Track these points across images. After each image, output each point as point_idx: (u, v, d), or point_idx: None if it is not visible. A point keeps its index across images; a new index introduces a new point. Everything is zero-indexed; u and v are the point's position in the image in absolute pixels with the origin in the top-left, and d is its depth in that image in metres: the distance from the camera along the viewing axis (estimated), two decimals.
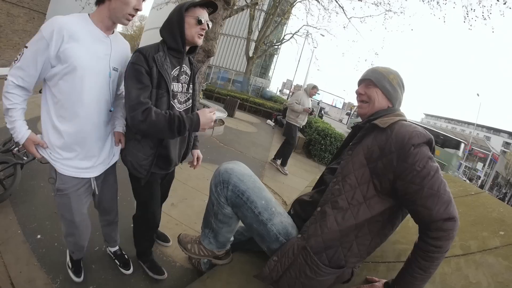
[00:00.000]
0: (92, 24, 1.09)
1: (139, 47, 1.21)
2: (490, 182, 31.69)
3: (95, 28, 1.10)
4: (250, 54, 17.28)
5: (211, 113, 1.23)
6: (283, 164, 4.88)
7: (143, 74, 1.14)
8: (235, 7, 5.76)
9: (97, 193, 1.34)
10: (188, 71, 1.39)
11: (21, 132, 1.08)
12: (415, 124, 1.00)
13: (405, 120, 1.02)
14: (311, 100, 4.79)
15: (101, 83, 1.14)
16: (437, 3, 7.29)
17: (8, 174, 2.13)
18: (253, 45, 17.60)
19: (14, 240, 1.70)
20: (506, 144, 40.37)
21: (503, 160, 34.92)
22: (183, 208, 2.63)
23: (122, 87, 1.29)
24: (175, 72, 1.27)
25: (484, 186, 27.23)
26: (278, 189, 3.91)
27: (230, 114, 8.99)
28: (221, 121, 6.74)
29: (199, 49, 4.89)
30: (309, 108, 4.56)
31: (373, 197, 0.95)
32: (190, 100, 1.43)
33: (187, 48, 1.33)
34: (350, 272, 1.08)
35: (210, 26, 1.31)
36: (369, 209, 0.95)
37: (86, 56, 1.05)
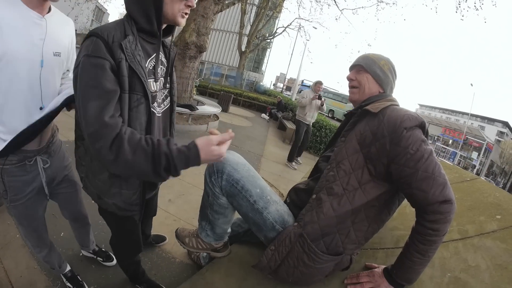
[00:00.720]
0: (22, 3, 0.86)
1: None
2: (485, 171, 32.52)
3: (26, 9, 0.87)
4: (243, 49, 17.16)
5: (219, 145, 0.82)
6: (290, 159, 5.02)
7: (107, 73, 0.76)
8: (226, 1, 5.68)
9: (48, 199, 1.18)
10: (164, 60, 1.01)
11: None
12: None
13: (397, 105, 1.02)
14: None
15: (30, 75, 0.90)
16: None
17: None
18: (245, 39, 17.47)
19: (13, 245, 1.67)
20: (500, 133, 41.12)
21: (497, 149, 35.84)
22: (181, 204, 2.61)
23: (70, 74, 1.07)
24: (150, 63, 0.90)
25: (480, 175, 27.89)
26: (275, 182, 3.92)
27: (224, 109, 8.95)
28: (215, 116, 6.72)
29: (191, 45, 4.83)
30: (315, 95, 4.64)
31: (368, 182, 0.95)
32: (169, 98, 1.06)
33: (163, 27, 0.95)
34: (348, 259, 1.09)
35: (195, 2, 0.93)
36: (364, 194, 0.95)
37: (16, 44, 0.84)
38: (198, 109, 5.22)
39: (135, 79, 0.82)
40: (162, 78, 0.99)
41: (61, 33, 1.01)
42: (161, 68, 0.97)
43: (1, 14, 0.81)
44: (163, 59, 1.00)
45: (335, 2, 9.61)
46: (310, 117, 4.86)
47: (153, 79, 0.92)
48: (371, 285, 0.98)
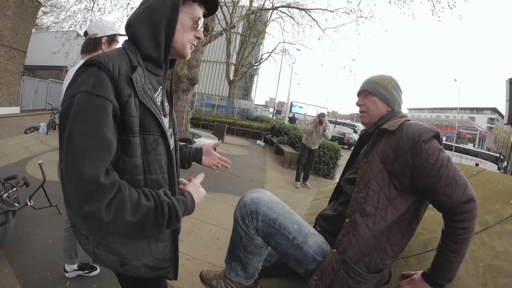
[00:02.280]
0: None
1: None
2: (483, 160, 32.67)
3: None
4: (231, 78, 17.83)
5: (199, 184, 0.90)
6: (297, 179, 5.51)
7: (108, 119, 0.64)
8: (214, 33, 6.05)
9: None
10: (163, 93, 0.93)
11: None
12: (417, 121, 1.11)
13: (409, 120, 1.12)
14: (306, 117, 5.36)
15: None
16: (404, 1, 7.92)
17: (0, 223, 2.02)
18: (232, 68, 18.21)
19: None
20: (491, 120, 42.20)
21: (491, 136, 36.70)
22: (192, 242, 2.60)
23: None
24: (157, 98, 0.82)
25: (478, 165, 27.98)
26: None
27: (220, 139, 9.07)
28: (214, 148, 6.78)
29: (183, 78, 5.07)
30: (317, 119, 5.27)
31: (396, 197, 1.01)
32: (173, 136, 0.95)
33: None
34: (388, 273, 1.12)
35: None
36: (395, 209, 1.01)
37: None
38: (195, 142, 5.32)
39: (149, 118, 0.73)
40: (168, 115, 0.90)
41: None
42: (166, 104, 0.89)
43: None
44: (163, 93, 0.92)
45: (316, 22, 10.28)
46: (311, 142, 5.41)
47: (163, 116, 0.83)
48: None
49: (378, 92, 1.21)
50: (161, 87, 0.85)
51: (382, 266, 1.05)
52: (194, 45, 0.87)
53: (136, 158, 0.71)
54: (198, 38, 0.87)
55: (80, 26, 10.83)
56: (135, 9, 0.82)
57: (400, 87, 1.25)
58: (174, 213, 0.72)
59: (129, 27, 0.79)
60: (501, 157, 20.21)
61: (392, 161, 1.02)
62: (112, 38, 1.72)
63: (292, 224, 1.13)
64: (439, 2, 7.46)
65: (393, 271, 1.19)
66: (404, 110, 1.37)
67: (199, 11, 0.85)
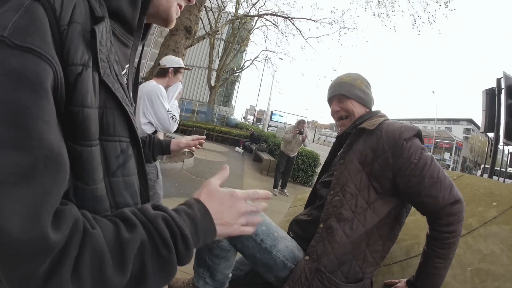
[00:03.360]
0: None
1: None
2: (460, 168, 35.36)
3: None
4: (212, 83, 17.75)
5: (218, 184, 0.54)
6: (275, 186, 5.57)
7: (48, 102, 0.33)
8: (196, 36, 5.98)
9: None
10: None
11: None
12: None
13: (389, 119, 1.08)
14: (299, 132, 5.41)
15: None
16: (387, 15, 8.37)
17: None
18: (214, 74, 18.17)
19: None
20: (467, 130, 45.93)
21: (467, 146, 39.75)
22: None
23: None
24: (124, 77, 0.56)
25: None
26: None
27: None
28: (190, 153, 6.64)
29: None
30: (296, 130, 5.30)
31: (376, 200, 0.96)
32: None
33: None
34: (369, 282, 1.06)
35: None
36: (375, 213, 0.96)
37: None
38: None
39: (115, 112, 0.44)
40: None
41: None
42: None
43: None
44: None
45: (300, 32, 10.55)
46: (290, 150, 5.49)
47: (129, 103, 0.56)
48: None
49: (355, 95, 1.14)
50: (127, 65, 0.56)
51: (362, 275, 0.99)
52: (181, 7, 0.59)
53: (96, 184, 0.42)
54: (189, 0, 0.58)
55: None
56: None
57: (369, 83, 1.20)
58: (179, 234, 0.41)
59: None
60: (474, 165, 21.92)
61: (371, 162, 0.97)
62: (177, 70, 2.11)
63: (259, 225, 1.03)
64: (420, 17, 7.97)
65: (374, 280, 1.14)
66: None
67: None
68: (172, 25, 0.60)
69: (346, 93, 1.14)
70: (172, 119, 1.94)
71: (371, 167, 0.97)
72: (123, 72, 0.53)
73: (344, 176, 1.01)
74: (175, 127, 2.00)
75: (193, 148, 1.25)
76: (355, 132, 1.07)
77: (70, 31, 0.36)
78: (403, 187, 0.92)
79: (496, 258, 0.96)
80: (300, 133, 5.27)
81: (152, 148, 1.10)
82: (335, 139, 1.29)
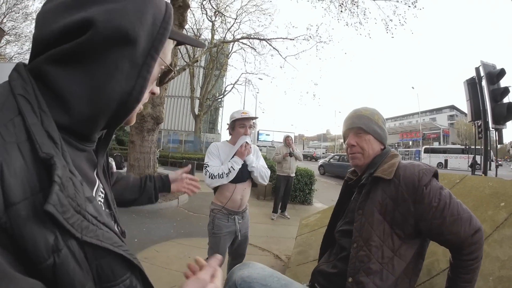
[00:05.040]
0: (229, 144, 2.09)
1: None
2: None
3: (230, 145, 2.07)
4: (196, 112, 17.90)
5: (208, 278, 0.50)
6: (274, 211, 5.41)
7: None
8: (177, 68, 6.12)
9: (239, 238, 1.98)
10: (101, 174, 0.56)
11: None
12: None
13: (400, 159, 1.09)
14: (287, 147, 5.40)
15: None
16: (359, 23, 8.82)
17: None
18: (197, 102, 18.38)
19: None
20: (451, 117, 47.80)
21: (453, 131, 41.41)
22: None
23: None
24: (97, 197, 0.50)
25: (447, 160, 30.94)
26: (265, 244, 3.78)
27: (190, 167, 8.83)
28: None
29: (148, 117, 4.95)
30: (286, 153, 5.23)
31: (400, 246, 0.98)
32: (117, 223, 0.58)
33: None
34: None
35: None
36: (401, 259, 0.98)
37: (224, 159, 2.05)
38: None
39: (110, 259, 0.39)
40: (107, 209, 0.54)
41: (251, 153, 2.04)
42: (100, 193, 0.52)
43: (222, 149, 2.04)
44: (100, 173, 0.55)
45: (278, 51, 10.93)
46: (288, 168, 5.34)
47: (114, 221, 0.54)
48: None
49: (373, 130, 1.14)
50: (96, 170, 0.51)
51: None
52: (141, 108, 0.50)
53: None
54: (153, 94, 0.52)
55: None
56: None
57: (385, 120, 1.22)
58: None
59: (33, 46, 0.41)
60: (466, 147, 22.65)
61: (392, 211, 0.99)
62: (232, 126, 2.06)
63: None
64: (391, 21, 8.44)
65: None
66: None
67: (170, 52, 0.52)
68: (131, 124, 0.54)
69: (365, 127, 1.14)
70: (205, 171, 1.97)
71: (392, 216, 0.99)
72: (95, 189, 0.47)
73: (366, 229, 1.02)
74: (208, 180, 1.95)
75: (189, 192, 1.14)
76: (371, 181, 1.06)
77: (14, 223, 0.29)
78: (426, 230, 0.96)
79: None
80: (291, 155, 5.25)
81: (154, 186, 1.01)
82: (344, 182, 1.29)
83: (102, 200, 0.52)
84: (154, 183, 1.00)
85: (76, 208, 0.34)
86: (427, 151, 26.45)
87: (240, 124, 2.02)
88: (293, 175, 5.53)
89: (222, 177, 1.89)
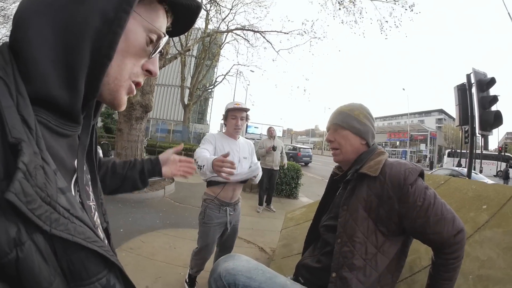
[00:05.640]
0: (227, 137, 2.11)
1: None
2: (437, 156, 37.81)
3: (229, 139, 2.09)
4: (186, 102, 17.64)
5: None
6: (260, 203, 5.45)
7: None
8: (168, 56, 5.98)
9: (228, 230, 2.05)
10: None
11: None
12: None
13: (387, 156, 1.11)
14: (271, 140, 5.43)
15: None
16: (355, 22, 8.84)
17: None
18: (187, 92, 18.12)
19: None
20: (439, 120, 49.50)
21: (441, 134, 42.91)
22: None
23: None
24: (74, 191, 0.45)
25: (433, 162, 32.10)
26: (250, 237, 3.82)
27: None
28: (171, 178, 6.49)
29: (136, 105, 4.84)
30: (270, 147, 5.21)
31: (384, 243, 1.01)
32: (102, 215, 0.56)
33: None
34: None
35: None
36: (385, 256, 1.01)
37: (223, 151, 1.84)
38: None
39: (82, 255, 0.36)
40: (90, 192, 0.52)
41: (245, 147, 2.12)
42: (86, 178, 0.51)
43: (220, 141, 2.02)
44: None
45: (271, 44, 10.80)
46: (271, 161, 5.34)
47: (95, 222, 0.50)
48: None
49: (350, 125, 1.16)
50: (76, 159, 0.47)
51: None
52: (138, 84, 0.48)
53: None
54: (149, 72, 0.48)
55: None
56: None
57: (372, 115, 1.21)
58: None
59: (14, 24, 0.39)
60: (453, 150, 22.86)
61: (377, 208, 1.01)
62: (225, 116, 2.10)
63: None
64: (387, 22, 8.51)
65: None
66: None
67: (163, 21, 0.47)
68: (122, 109, 0.49)
69: (341, 123, 1.17)
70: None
71: (377, 213, 1.01)
72: (73, 180, 0.44)
73: (350, 226, 1.04)
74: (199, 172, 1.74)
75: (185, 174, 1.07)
76: (356, 177, 1.08)
77: None
78: (410, 228, 0.99)
79: (494, 263, 1.05)
80: (274, 149, 5.24)
81: (142, 170, 0.93)
82: (330, 177, 1.31)
83: (89, 189, 0.50)
84: (143, 167, 0.93)
85: (45, 199, 0.31)
86: (451, 155, 25.21)
87: (232, 115, 2.04)
88: (277, 168, 5.49)
89: (200, 169, 1.69)
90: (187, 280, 2.32)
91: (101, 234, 0.50)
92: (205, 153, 1.80)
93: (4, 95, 0.32)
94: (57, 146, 0.41)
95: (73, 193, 0.43)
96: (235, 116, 2.03)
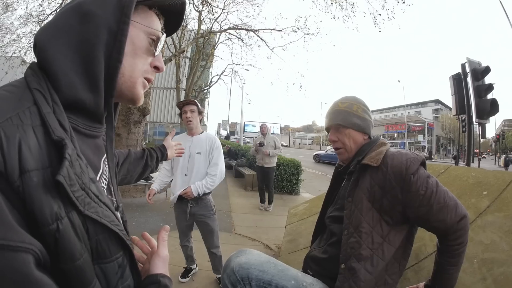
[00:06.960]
0: (187, 135, 2.37)
1: None
2: (435, 146, 38.06)
3: (187, 136, 2.36)
4: None
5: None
6: (261, 201, 5.45)
7: (37, 280, 0.32)
8: (164, 59, 5.96)
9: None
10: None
11: None
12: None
13: (388, 147, 1.13)
14: (260, 136, 5.57)
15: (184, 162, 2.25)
16: (347, 16, 8.80)
17: None
18: (183, 93, 18.08)
19: None
20: (435, 111, 49.91)
21: (438, 125, 43.24)
22: None
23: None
24: (101, 183, 0.53)
25: (432, 152, 32.22)
26: (254, 234, 3.86)
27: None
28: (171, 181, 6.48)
29: (134, 109, 4.84)
30: (256, 144, 5.29)
31: (389, 232, 1.03)
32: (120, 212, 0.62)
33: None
34: None
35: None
36: (391, 244, 1.03)
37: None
38: (153, 178, 5.03)
39: (107, 236, 0.44)
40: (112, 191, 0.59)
41: (202, 143, 2.27)
42: (104, 181, 0.55)
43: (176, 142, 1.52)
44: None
45: (265, 42, 10.78)
46: (260, 159, 5.32)
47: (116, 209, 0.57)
48: None
49: (351, 123, 1.16)
50: (104, 156, 0.55)
51: None
52: (150, 80, 0.55)
53: None
54: (156, 68, 0.55)
55: (25, 52, 9.46)
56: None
57: (367, 106, 1.22)
58: None
59: (37, 48, 0.45)
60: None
61: (380, 198, 1.03)
62: (179, 116, 2.38)
63: (288, 281, 1.09)
64: (380, 15, 8.50)
65: None
66: None
67: (157, 24, 0.54)
68: (140, 103, 0.56)
69: (343, 122, 1.17)
70: None
71: (381, 203, 1.03)
72: (99, 175, 0.51)
73: (356, 217, 1.06)
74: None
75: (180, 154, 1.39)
76: (358, 169, 1.10)
77: (26, 187, 0.33)
78: (413, 217, 1.01)
79: (497, 246, 1.08)
80: (261, 145, 5.18)
81: (156, 157, 1.19)
82: (335, 169, 1.33)
83: (105, 187, 0.56)
84: (156, 155, 1.18)
85: (81, 185, 0.39)
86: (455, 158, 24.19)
87: (182, 111, 2.30)
88: (269, 166, 5.26)
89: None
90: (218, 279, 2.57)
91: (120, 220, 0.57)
92: (159, 178, 2.52)
93: (43, 104, 0.39)
94: (84, 146, 0.48)
95: (100, 184, 0.50)
96: (185, 110, 2.27)
